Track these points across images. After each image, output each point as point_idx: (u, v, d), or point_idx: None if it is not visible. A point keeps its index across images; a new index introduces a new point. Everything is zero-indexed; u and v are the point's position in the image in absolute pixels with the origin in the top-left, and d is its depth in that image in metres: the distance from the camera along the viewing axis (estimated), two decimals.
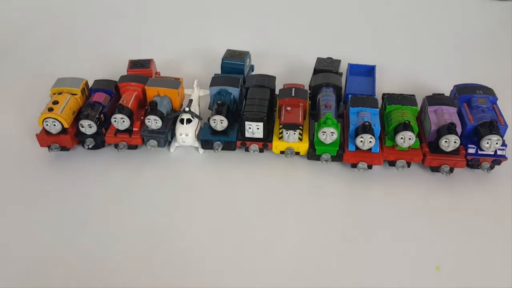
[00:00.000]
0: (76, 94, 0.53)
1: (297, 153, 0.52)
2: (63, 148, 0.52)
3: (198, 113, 0.54)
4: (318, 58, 0.60)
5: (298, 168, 0.52)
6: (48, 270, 0.41)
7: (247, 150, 0.52)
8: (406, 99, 0.52)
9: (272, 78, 0.56)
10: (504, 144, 0.49)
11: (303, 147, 0.51)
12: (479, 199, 0.48)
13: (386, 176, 0.50)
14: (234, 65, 0.59)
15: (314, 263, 0.42)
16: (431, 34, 0.78)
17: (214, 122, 0.51)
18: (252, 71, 0.63)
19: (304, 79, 0.60)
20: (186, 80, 0.57)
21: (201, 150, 0.53)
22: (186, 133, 0.51)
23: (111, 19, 0.81)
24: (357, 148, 0.49)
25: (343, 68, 0.60)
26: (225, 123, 0.51)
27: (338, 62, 0.60)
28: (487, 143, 0.48)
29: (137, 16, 0.83)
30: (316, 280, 0.41)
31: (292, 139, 0.50)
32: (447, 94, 0.56)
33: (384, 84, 0.62)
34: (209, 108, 0.55)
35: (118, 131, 0.51)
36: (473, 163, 0.50)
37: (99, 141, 0.52)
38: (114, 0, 0.86)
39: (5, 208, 0.47)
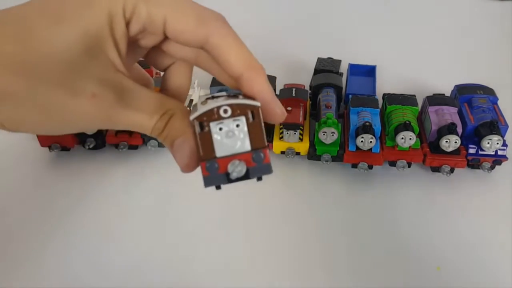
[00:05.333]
0: None
1: (298, 153, 0.51)
2: (64, 148, 0.52)
3: None
4: (318, 58, 0.60)
5: (299, 168, 0.52)
6: (47, 268, 0.41)
7: None
8: (407, 99, 0.52)
9: (272, 78, 0.56)
10: (504, 144, 0.49)
11: (304, 147, 0.51)
12: (479, 199, 0.48)
13: (386, 176, 0.50)
14: None
15: (314, 263, 0.42)
16: (432, 34, 0.78)
17: None
18: None
19: (305, 79, 0.60)
20: None
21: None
22: None
23: None
24: (357, 148, 0.49)
25: (343, 68, 0.60)
26: None
27: (338, 62, 0.60)
28: (488, 143, 0.48)
29: None
30: (315, 279, 0.41)
31: (293, 139, 0.50)
32: (448, 94, 0.56)
33: (385, 84, 0.62)
34: None
35: (118, 131, 0.51)
36: (474, 163, 0.50)
37: (99, 141, 0.52)
38: None
39: (5, 208, 0.47)
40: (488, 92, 0.53)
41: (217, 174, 0.26)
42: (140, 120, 0.28)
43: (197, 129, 0.25)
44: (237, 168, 0.25)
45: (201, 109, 0.25)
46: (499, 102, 0.52)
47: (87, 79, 0.27)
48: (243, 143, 0.26)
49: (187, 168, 0.28)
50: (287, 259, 0.42)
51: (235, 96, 0.27)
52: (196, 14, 0.28)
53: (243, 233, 0.45)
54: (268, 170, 0.26)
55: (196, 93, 0.56)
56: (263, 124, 0.26)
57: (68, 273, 0.41)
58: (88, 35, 0.27)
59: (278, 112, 0.28)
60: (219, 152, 0.26)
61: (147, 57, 0.32)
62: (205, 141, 0.26)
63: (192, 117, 0.25)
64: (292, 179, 0.51)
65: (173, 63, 0.32)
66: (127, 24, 0.28)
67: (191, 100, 0.53)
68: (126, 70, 0.29)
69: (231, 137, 0.26)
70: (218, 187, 0.26)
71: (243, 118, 0.25)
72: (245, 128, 0.26)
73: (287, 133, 0.50)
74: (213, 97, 0.27)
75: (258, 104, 0.26)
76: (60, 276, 0.41)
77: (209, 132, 0.25)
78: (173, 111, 0.29)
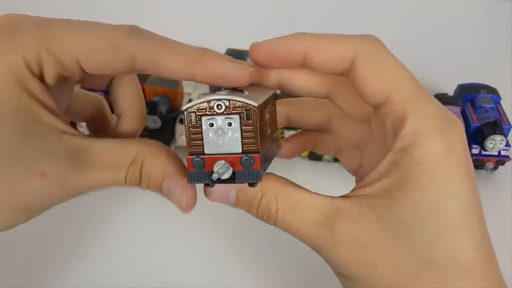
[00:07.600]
0: None
1: None
2: None
3: None
4: None
5: (299, 168, 0.51)
6: (37, 268, 0.41)
7: None
8: None
9: None
10: (508, 144, 0.48)
11: None
12: (482, 200, 0.47)
13: None
14: None
15: (314, 262, 0.41)
16: (434, 33, 0.77)
17: None
18: None
19: None
20: None
21: None
22: None
23: (111, 19, 0.81)
24: None
25: None
26: None
27: None
28: (491, 143, 0.47)
29: (136, 15, 0.82)
30: (317, 279, 0.40)
31: None
32: (451, 93, 0.55)
33: None
34: None
35: None
36: (477, 164, 0.49)
37: None
38: (113, 0, 0.86)
39: None
40: (491, 91, 0.53)
41: (202, 172, 0.24)
42: (107, 178, 0.25)
43: (188, 121, 0.24)
44: (220, 170, 0.24)
45: (195, 101, 0.24)
46: (502, 102, 0.52)
47: (27, 161, 0.23)
48: (233, 144, 0.24)
49: (188, 207, 0.26)
50: (287, 258, 0.42)
51: (241, 91, 0.25)
52: (110, 40, 0.24)
53: (243, 233, 0.44)
54: (256, 177, 0.25)
55: (195, 93, 0.55)
56: (258, 127, 0.24)
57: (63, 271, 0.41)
58: (5, 113, 0.23)
59: (235, 74, 0.24)
60: (207, 149, 0.24)
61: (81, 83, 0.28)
62: (194, 136, 0.24)
63: (183, 108, 0.24)
64: (293, 179, 0.50)
65: (112, 79, 0.28)
66: (41, 78, 0.24)
67: (190, 100, 0.53)
68: (71, 128, 0.25)
69: (221, 136, 0.24)
70: (207, 184, 0.25)
71: (236, 117, 0.24)
72: (238, 128, 0.24)
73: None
74: (216, 92, 0.25)
75: (254, 104, 0.23)
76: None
77: (200, 127, 0.24)
78: (142, 157, 0.25)
